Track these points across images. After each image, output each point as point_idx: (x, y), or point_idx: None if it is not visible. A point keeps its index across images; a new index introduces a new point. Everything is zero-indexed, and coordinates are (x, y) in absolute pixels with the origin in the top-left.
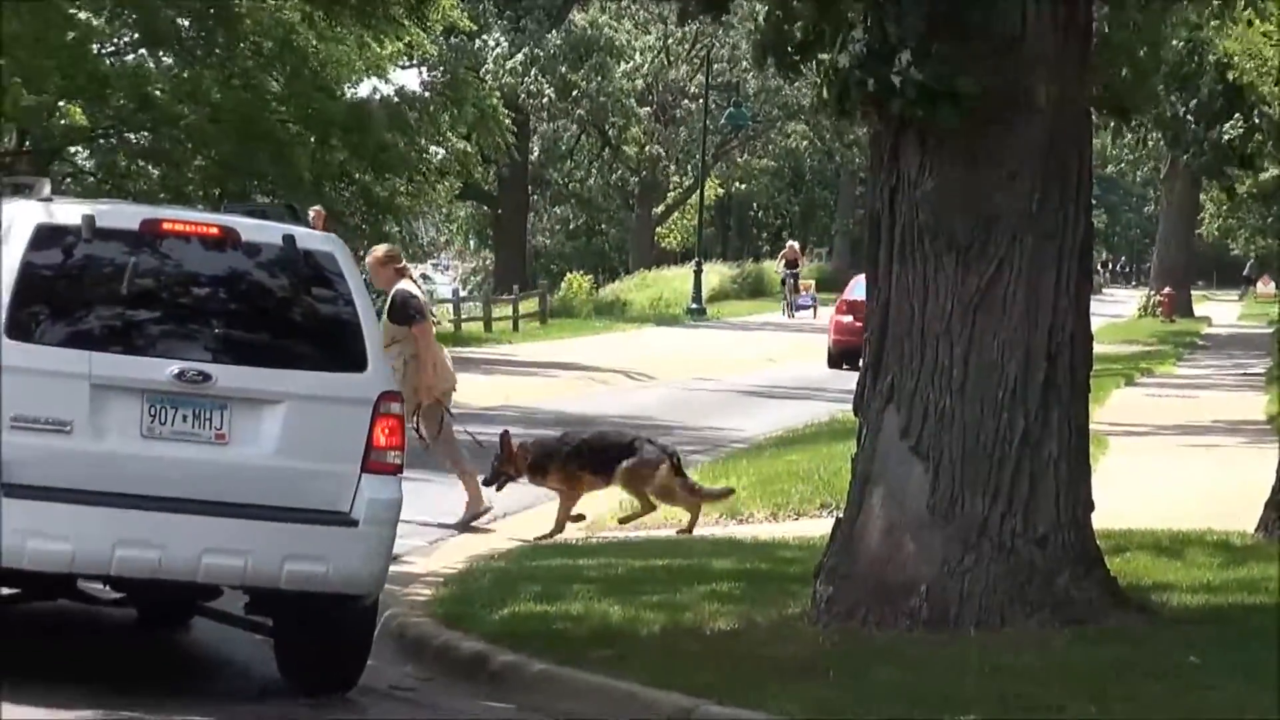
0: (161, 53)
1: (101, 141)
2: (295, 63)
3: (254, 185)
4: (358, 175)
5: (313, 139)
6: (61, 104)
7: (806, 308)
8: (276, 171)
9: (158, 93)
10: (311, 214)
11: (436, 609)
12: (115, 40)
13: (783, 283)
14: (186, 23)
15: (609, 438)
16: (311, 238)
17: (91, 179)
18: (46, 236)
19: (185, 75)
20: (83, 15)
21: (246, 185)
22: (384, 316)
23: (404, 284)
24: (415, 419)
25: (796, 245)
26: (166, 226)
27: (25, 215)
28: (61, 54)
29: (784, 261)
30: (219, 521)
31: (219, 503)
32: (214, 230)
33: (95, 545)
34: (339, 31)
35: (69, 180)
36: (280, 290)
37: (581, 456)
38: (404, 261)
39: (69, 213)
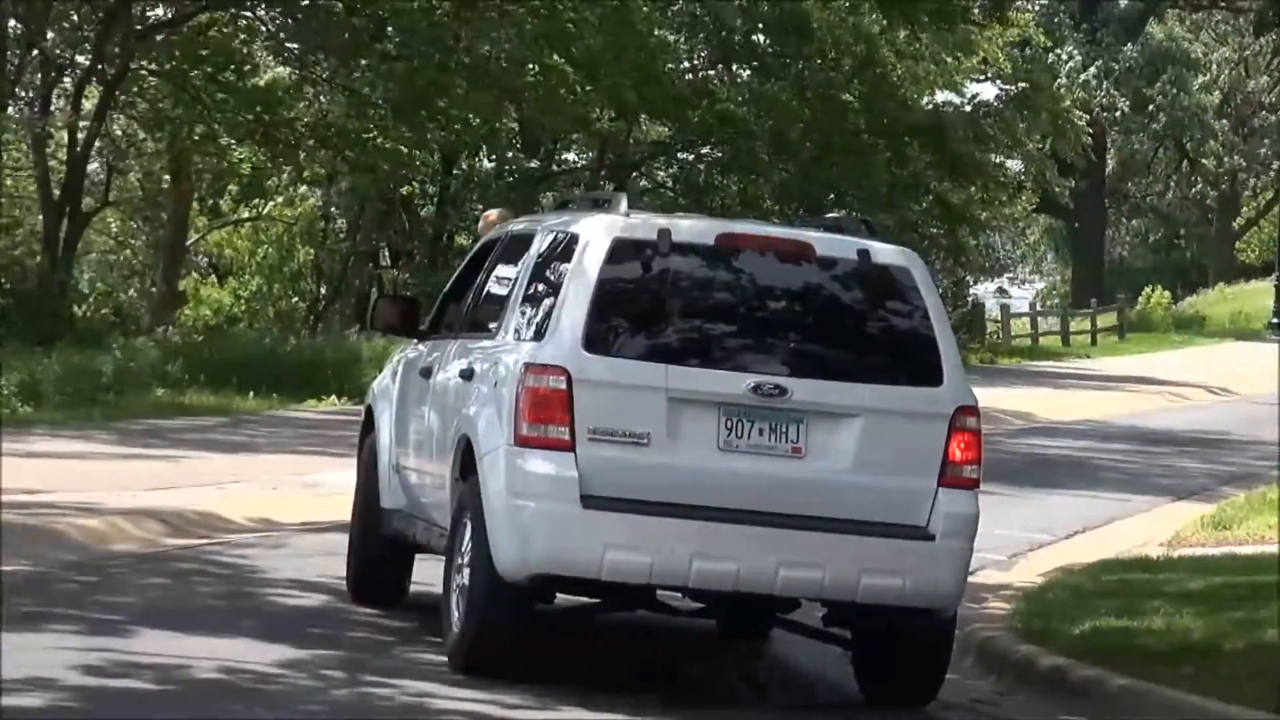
0: (736, 66)
1: (680, 155)
2: (874, 77)
3: (830, 199)
4: (934, 185)
5: (888, 150)
6: (643, 119)
7: None
8: (852, 183)
9: (734, 107)
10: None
11: (1015, 623)
12: (691, 56)
13: None
14: (762, 39)
15: None
16: (887, 252)
17: (669, 193)
18: (623, 250)
19: (762, 88)
20: (658, 32)
21: (822, 198)
22: None
23: None
24: None
25: None
26: (742, 241)
27: (603, 230)
28: (637, 71)
29: None
30: (796, 535)
31: (795, 516)
32: (789, 245)
33: (673, 557)
34: (915, 48)
35: (647, 194)
36: (855, 304)
37: None
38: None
39: (646, 227)
